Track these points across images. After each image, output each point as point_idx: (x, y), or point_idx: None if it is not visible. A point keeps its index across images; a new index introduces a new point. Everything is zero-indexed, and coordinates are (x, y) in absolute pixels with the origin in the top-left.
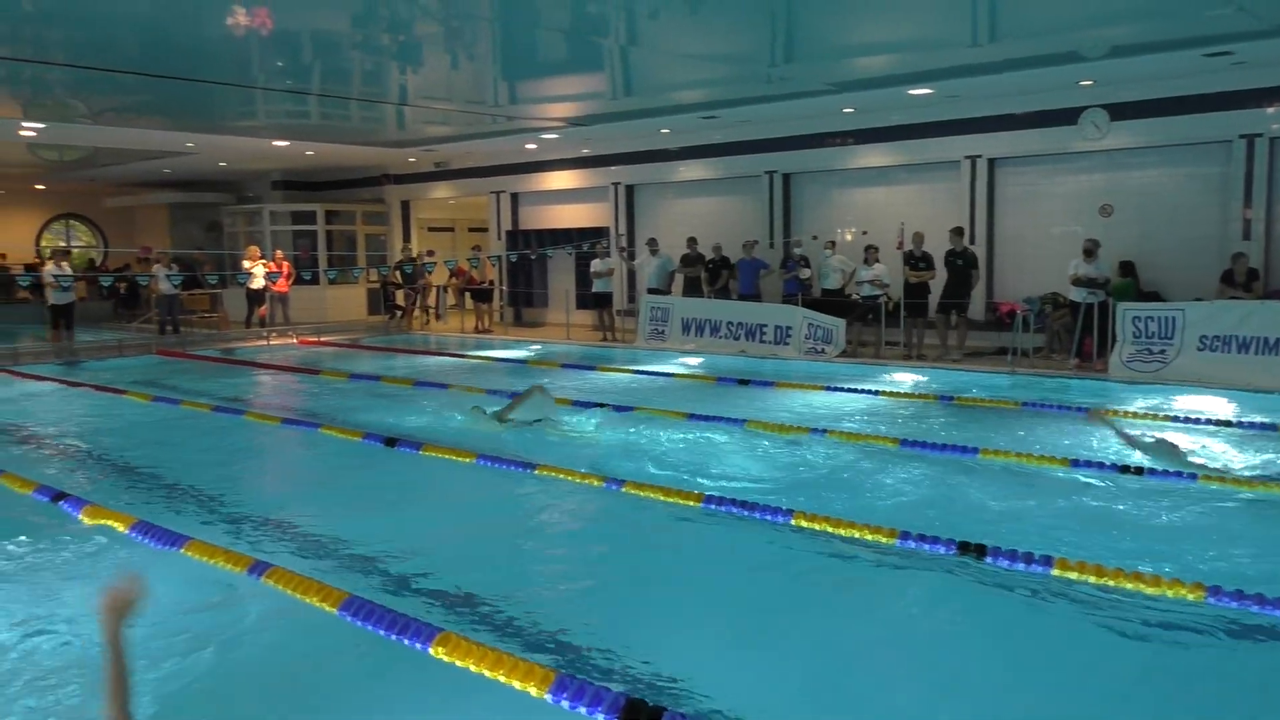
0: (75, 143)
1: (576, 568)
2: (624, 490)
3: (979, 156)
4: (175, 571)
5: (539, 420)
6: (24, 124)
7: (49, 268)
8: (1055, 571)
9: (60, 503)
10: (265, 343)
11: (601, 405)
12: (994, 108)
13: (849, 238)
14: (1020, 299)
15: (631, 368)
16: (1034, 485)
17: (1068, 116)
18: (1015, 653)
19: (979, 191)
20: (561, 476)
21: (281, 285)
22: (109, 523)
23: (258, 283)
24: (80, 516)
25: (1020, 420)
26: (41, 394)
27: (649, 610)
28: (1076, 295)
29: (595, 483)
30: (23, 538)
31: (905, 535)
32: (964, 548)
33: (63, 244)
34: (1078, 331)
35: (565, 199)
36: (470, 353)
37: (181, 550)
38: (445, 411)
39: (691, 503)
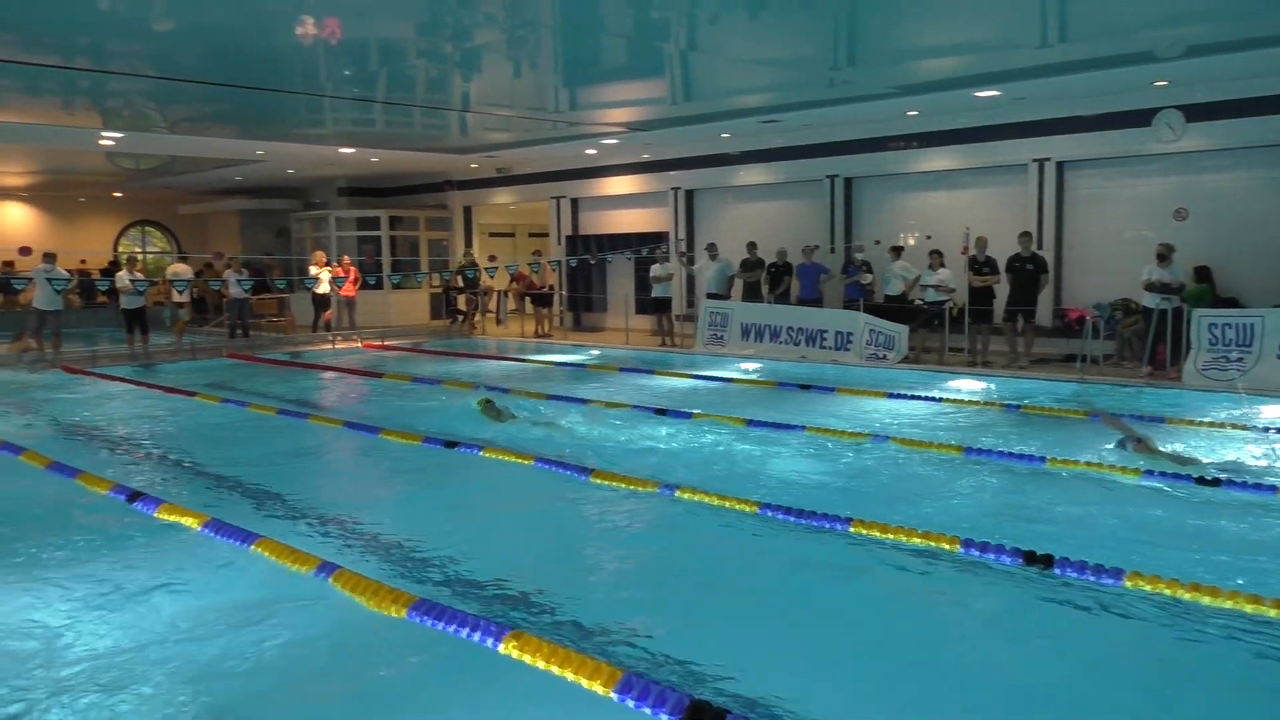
0: (152, 151)
1: (633, 572)
2: (678, 496)
3: (1047, 159)
4: (247, 569)
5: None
6: (104, 134)
7: (122, 274)
8: (1126, 584)
9: (136, 502)
10: (331, 346)
11: (662, 411)
12: (1063, 109)
13: (911, 242)
14: (1090, 305)
15: (690, 373)
16: (1104, 494)
17: (1141, 118)
18: (1081, 667)
19: (1047, 195)
20: (618, 483)
21: (348, 290)
22: (183, 520)
23: (324, 287)
24: (156, 514)
25: (1089, 429)
26: (117, 395)
27: (705, 615)
28: (1149, 301)
29: (650, 489)
30: (101, 535)
31: (969, 544)
32: (1030, 558)
33: (137, 250)
34: (1150, 338)
35: (625, 204)
36: (530, 357)
37: (252, 548)
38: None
39: (747, 509)
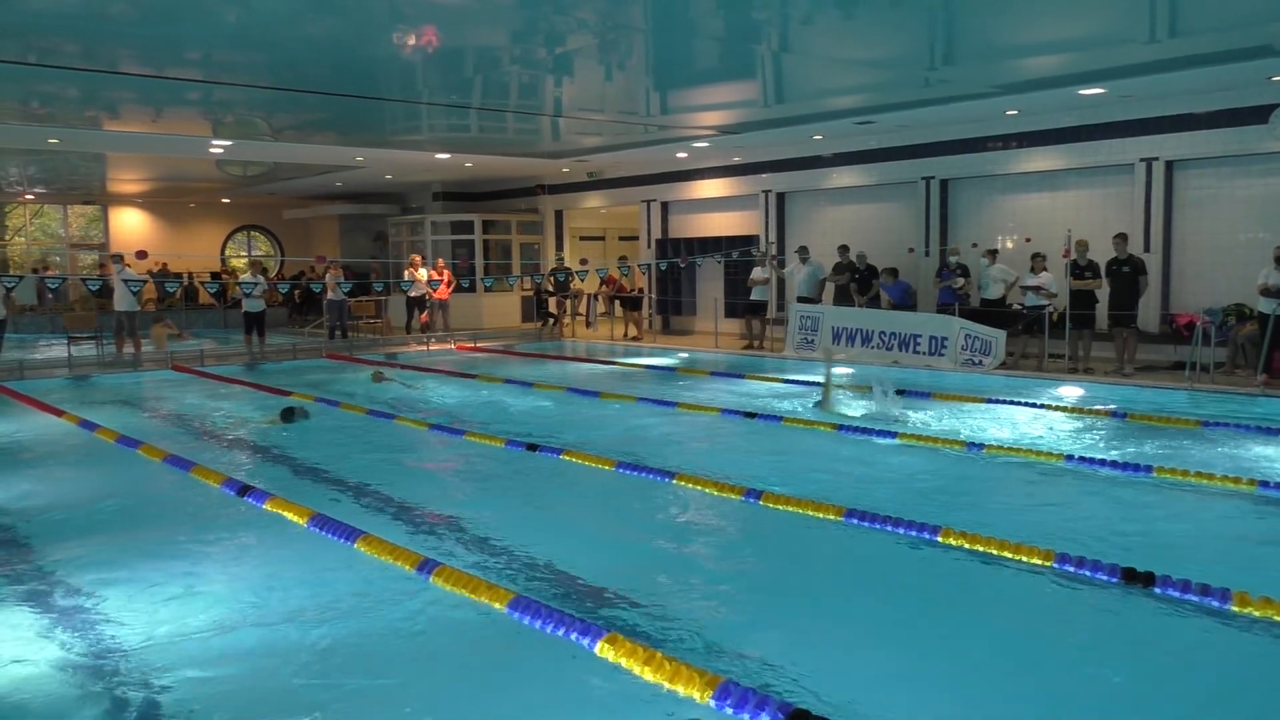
0: (258, 159)
1: (718, 578)
2: (762, 503)
3: (1155, 159)
4: (351, 564)
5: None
6: (214, 142)
7: (246, 277)
8: (1234, 606)
9: (246, 496)
10: (425, 348)
11: (751, 415)
12: (1172, 107)
13: (1009, 245)
14: (1200, 310)
15: (780, 376)
16: (1214, 509)
17: (1257, 115)
18: (1183, 694)
19: (1155, 196)
20: (701, 487)
21: (443, 293)
22: (290, 515)
23: (418, 290)
24: (265, 507)
25: (1200, 439)
26: (226, 394)
27: (795, 623)
28: (1265, 306)
29: (735, 495)
30: (217, 527)
31: (1064, 558)
32: (1130, 575)
33: (259, 255)
34: (1266, 345)
35: (715, 207)
36: (620, 360)
37: (355, 545)
38: (593, 417)
39: (833, 516)
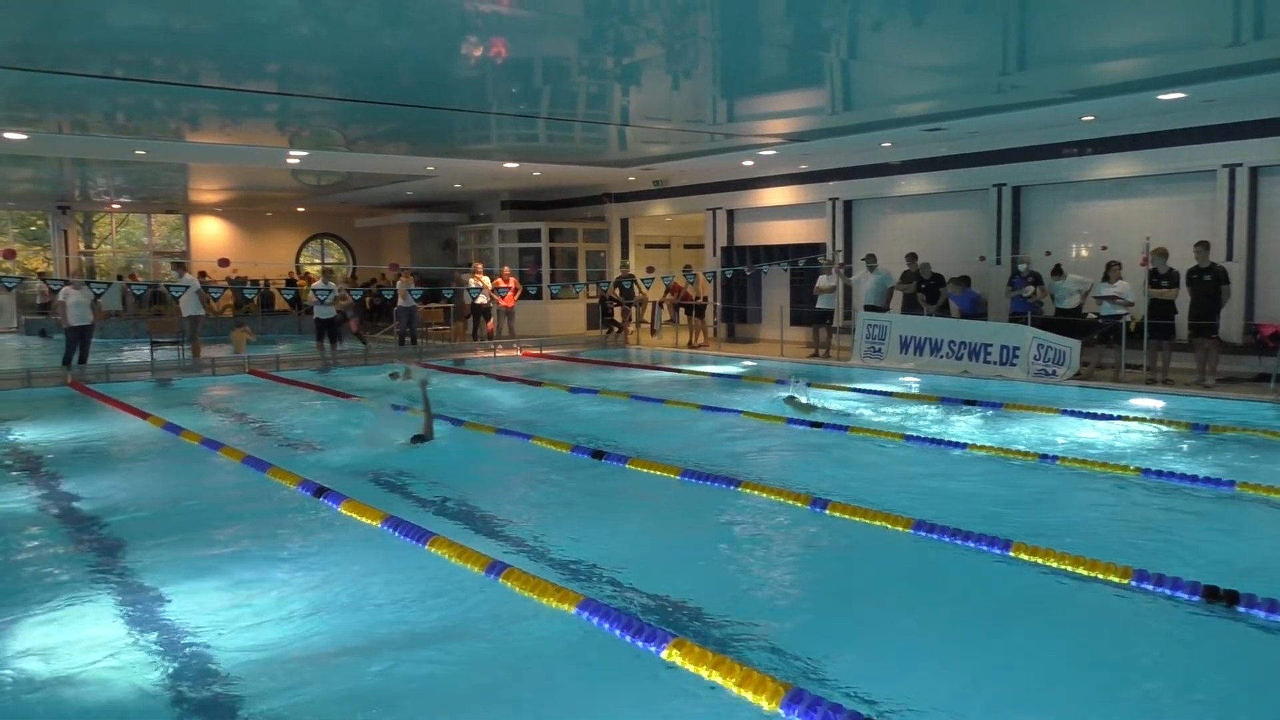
0: (332, 169)
1: (782, 587)
2: (828, 512)
3: (1239, 165)
4: (421, 565)
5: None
6: (290, 153)
7: (318, 284)
8: None
9: (322, 497)
10: (492, 354)
11: (817, 425)
12: (1257, 111)
13: (1084, 253)
14: None
15: (848, 385)
16: None
17: None
18: (1266, 716)
19: (1239, 203)
20: (767, 495)
21: (508, 300)
22: (363, 517)
23: (483, 297)
24: (340, 509)
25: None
26: (299, 398)
27: (862, 635)
28: None
29: (801, 504)
30: (295, 528)
31: (1142, 575)
32: (1211, 593)
33: (331, 263)
34: None
35: (781, 215)
36: (684, 367)
37: (427, 546)
38: (659, 424)
39: (900, 528)
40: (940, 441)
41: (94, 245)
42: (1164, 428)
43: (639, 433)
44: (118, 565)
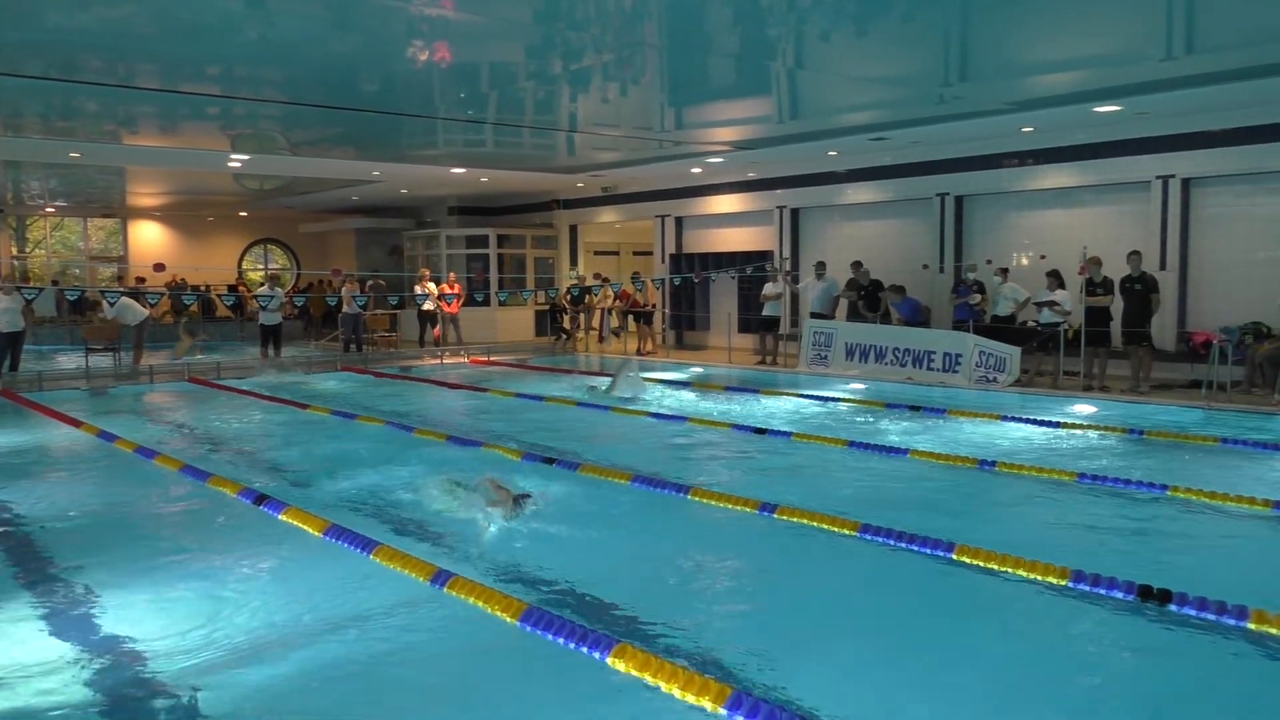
0: (275, 173)
1: (731, 592)
2: (776, 516)
3: (1171, 176)
4: (366, 575)
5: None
6: (232, 156)
7: (263, 290)
8: (1251, 624)
9: (262, 505)
10: (439, 361)
11: (761, 430)
12: (1189, 125)
13: (1024, 262)
14: (1217, 328)
15: (795, 392)
16: (1230, 527)
17: (1274, 133)
18: (1199, 711)
19: (1171, 213)
20: (715, 502)
21: (453, 306)
22: (305, 525)
23: (429, 304)
24: (280, 517)
25: (1216, 458)
26: (239, 405)
27: (805, 638)
28: None
29: (749, 509)
30: (237, 535)
31: (1079, 576)
32: (1145, 592)
33: (275, 269)
34: None
35: (729, 222)
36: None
37: (370, 556)
38: (610, 431)
39: (847, 531)
40: (884, 448)
41: (27, 250)
42: (1100, 433)
43: (585, 436)
44: (45, 575)
